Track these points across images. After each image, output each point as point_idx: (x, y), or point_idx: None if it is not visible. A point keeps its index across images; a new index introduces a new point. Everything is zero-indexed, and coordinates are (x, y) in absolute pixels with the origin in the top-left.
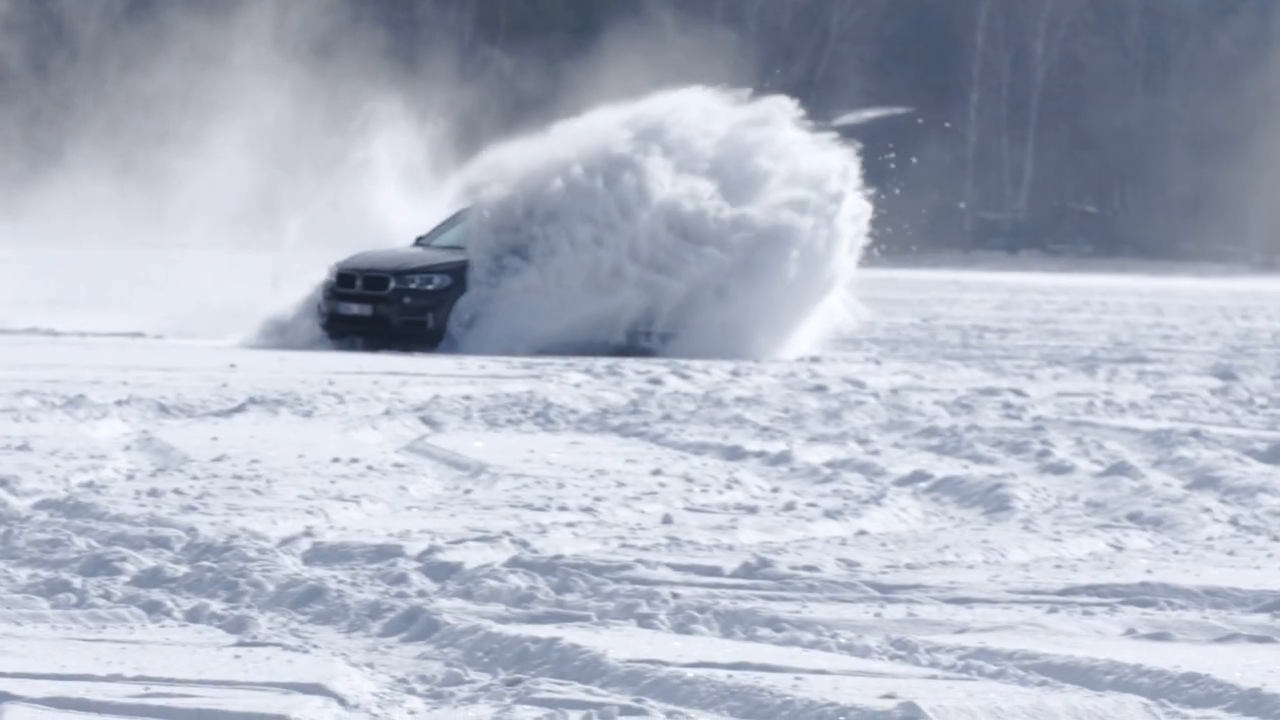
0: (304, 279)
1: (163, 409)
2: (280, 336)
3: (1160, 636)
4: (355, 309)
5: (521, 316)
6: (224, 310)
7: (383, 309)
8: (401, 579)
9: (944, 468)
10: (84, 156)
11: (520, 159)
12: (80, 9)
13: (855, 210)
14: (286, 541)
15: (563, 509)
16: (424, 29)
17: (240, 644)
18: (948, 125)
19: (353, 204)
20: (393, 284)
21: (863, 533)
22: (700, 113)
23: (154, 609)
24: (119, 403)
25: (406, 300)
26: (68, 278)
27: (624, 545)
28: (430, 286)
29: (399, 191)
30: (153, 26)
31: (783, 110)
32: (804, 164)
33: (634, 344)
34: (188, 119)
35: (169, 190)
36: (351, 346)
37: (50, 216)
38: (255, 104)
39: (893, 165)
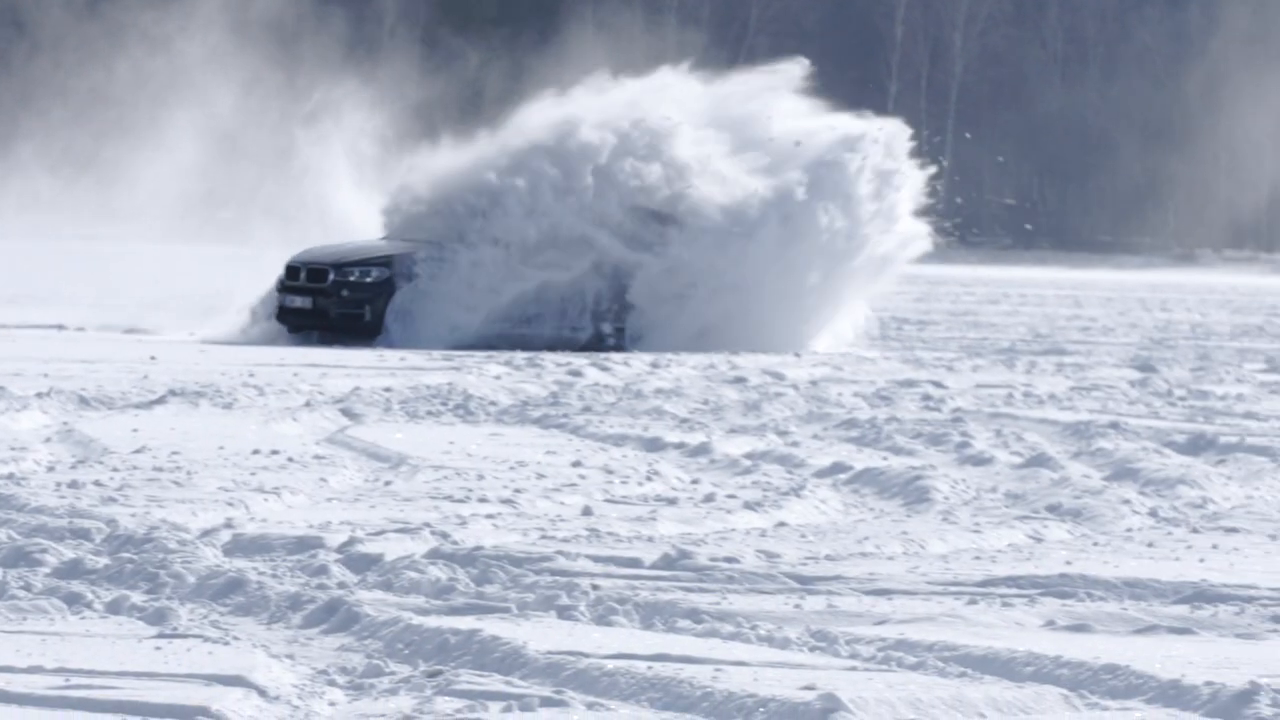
0: (268, 273)
1: (83, 401)
2: (241, 330)
3: (1079, 628)
4: (298, 301)
5: (458, 308)
6: (186, 303)
7: (322, 302)
8: (322, 570)
9: (863, 459)
10: (35, 149)
11: (453, 155)
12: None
13: (884, 184)
14: (207, 533)
15: (483, 501)
16: (386, 19)
17: (161, 635)
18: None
19: (316, 197)
20: (331, 277)
21: (782, 524)
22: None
23: (74, 601)
24: (39, 395)
25: (344, 293)
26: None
27: (544, 537)
28: (368, 279)
29: (361, 184)
30: (108, 16)
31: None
32: (815, 137)
33: (600, 335)
34: (142, 111)
35: (121, 183)
36: (308, 339)
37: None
38: (210, 97)
39: None
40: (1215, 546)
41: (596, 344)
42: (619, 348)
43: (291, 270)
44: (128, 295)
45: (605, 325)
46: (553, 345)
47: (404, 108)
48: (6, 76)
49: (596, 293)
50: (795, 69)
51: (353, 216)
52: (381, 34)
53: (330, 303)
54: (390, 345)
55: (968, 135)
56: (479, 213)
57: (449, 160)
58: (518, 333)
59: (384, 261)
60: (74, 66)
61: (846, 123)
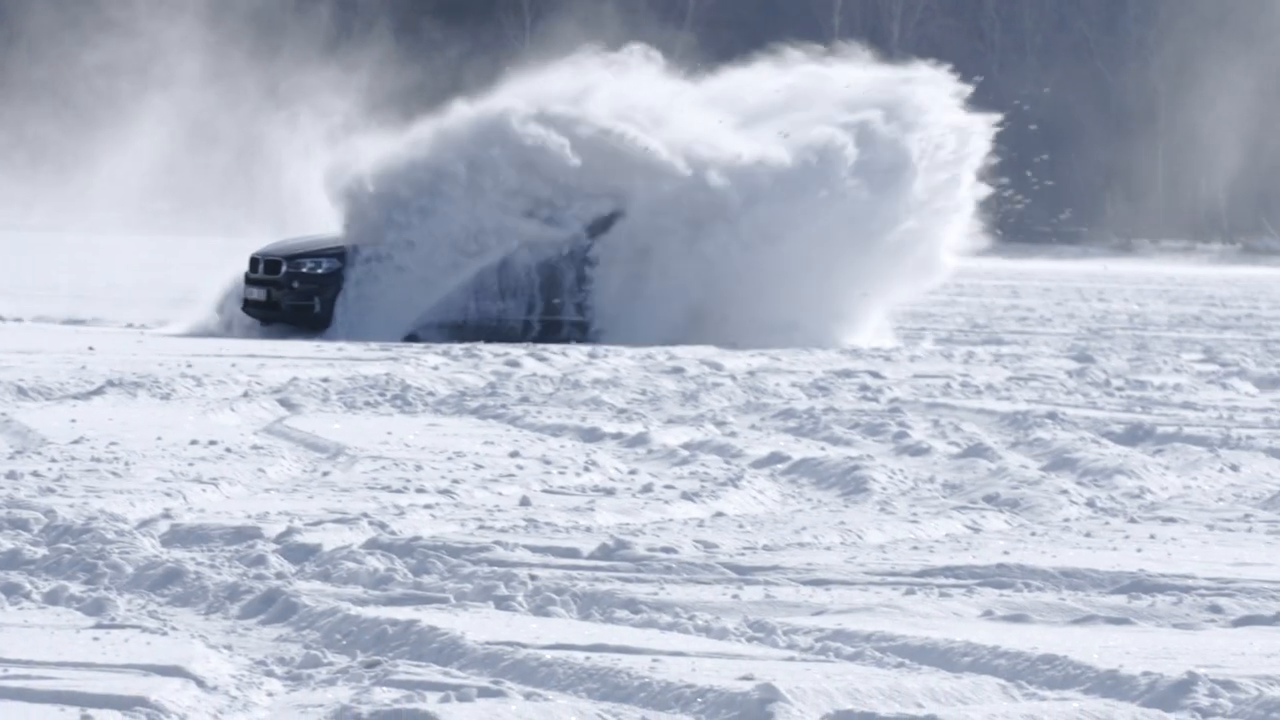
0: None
1: (21, 391)
2: (214, 323)
3: (1017, 618)
4: (256, 293)
5: (402, 300)
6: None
7: (275, 293)
8: (260, 561)
9: (801, 449)
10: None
11: (397, 142)
12: None
13: (911, 151)
14: (145, 523)
15: (420, 491)
16: (364, 7)
17: (99, 626)
18: None
19: (293, 188)
20: (284, 268)
21: (720, 514)
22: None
23: (12, 591)
24: None
25: (295, 285)
26: None
27: (482, 527)
28: (320, 271)
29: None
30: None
31: None
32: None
33: (555, 322)
34: (114, 101)
35: (94, 174)
36: (276, 331)
37: None
38: (187, 88)
39: None
40: (1153, 536)
41: (552, 334)
42: (581, 339)
43: (253, 263)
44: (96, 288)
45: (563, 314)
46: (502, 336)
47: (383, 96)
48: None
49: (548, 279)
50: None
51: (330, 208)
52: (359, 22)
53: (282, 294)
54: (340, 337)
55: None
56: (415, 203)
57: (391, 149)
58: (468, 322)
59: (336, 253)
60: (46, 57)
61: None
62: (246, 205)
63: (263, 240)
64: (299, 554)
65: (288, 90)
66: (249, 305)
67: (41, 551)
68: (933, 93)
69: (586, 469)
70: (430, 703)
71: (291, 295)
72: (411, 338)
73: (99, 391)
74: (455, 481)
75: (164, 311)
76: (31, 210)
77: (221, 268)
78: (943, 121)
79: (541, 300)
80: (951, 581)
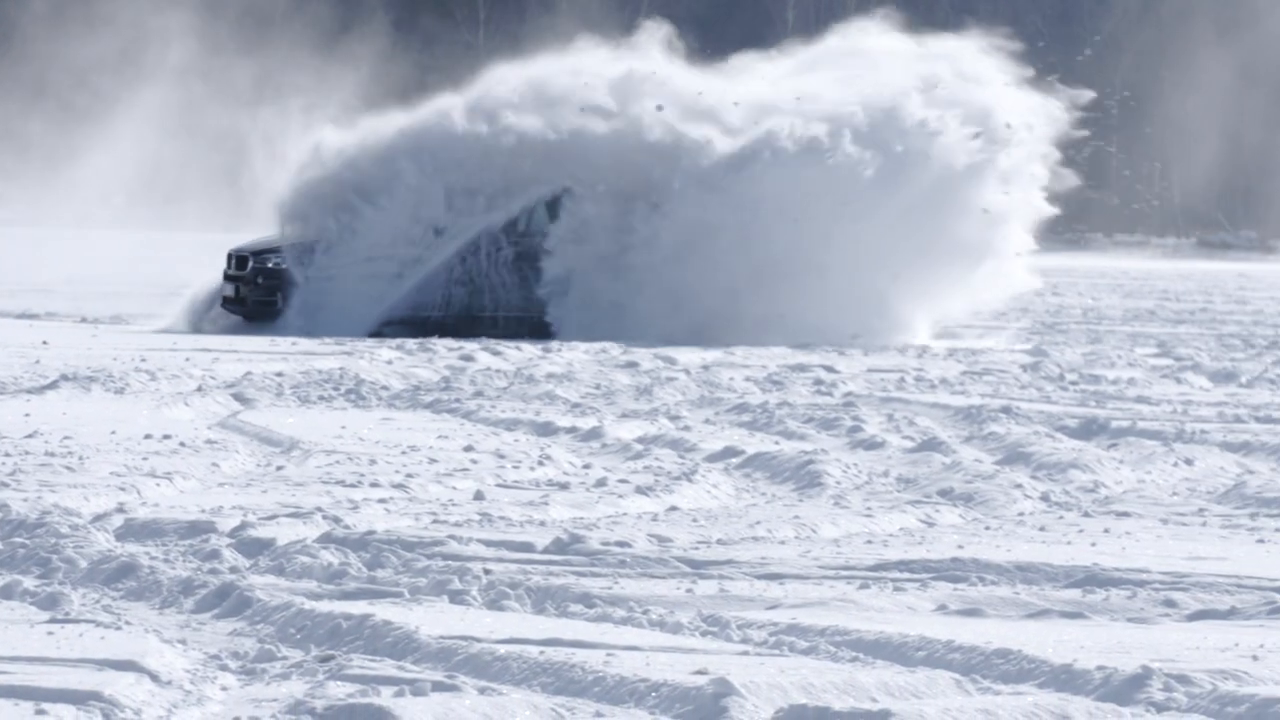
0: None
1: None
2: (197, 318)
3: (972, 612)
4: (228, 289)
5: (363, 295)
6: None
7: (242, 289)
8: (214, 555)
9: (755, 444)
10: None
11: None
12: None
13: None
14: (99, 518)
15: (375, 485)
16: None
17: (53, 621)
18: None
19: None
20: (251, 264)
21: (674, 509)
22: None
23: None
24: None
25: (259, 280)
26: None
27: (436, 521)
28: (283, 266)
29: None
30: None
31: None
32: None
33: (533, 319)
34: (107, 96)
35: (73, 169)
36: (244, 328)
37: None
38: (169, 82)
39: None
40: (1107, 531)
41: (514, 329)
42: (543, 335)
43: (229, 258)
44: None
45: (521, 311)
46: (467, 331)
47: (378, 90)
48: None
49: (511, 272)
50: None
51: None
52: (356, 19)
53: (249, 290)
54: (297, 333)
55: None
56: (351, 200)
57: (348, 141)
58: (430, 317)
59: (295, 249)
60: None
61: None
62: (246, 201)
63: (254, 236)
64: (253, 548)
65: (279, 85)
66: (225, 301)
67: None
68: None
69: (541, 463)
70: (384, 697)
71: (255, 290)
72: (377, 334)
73: (53, 386)
74: (409, 476)
75: (127, 306)
76: (11, 204)
77: (203, 265)
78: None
79: (503, 294)
80: (906, 576)
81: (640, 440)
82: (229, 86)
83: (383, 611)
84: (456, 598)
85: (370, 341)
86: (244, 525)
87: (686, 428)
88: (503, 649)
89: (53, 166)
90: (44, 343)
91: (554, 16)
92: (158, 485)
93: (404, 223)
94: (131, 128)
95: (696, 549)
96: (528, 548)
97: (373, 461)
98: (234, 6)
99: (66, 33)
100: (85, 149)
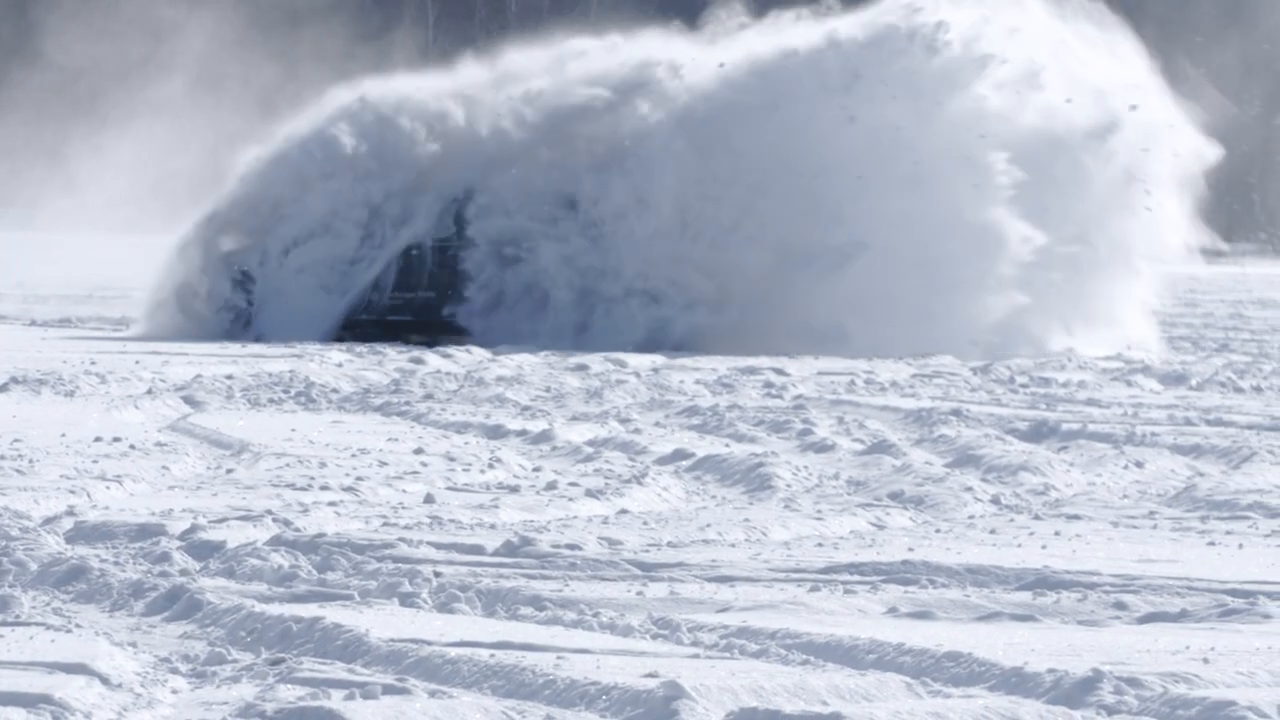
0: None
1: None
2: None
3: (922, 615)
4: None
5: (315, 300)
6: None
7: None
8: (164, 558)
9: (705, 446)
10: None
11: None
12: None
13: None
14: (49, 521)
15: (325, 488)
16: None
17: (2, 624)
18: None
19: None
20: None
21: (624, 511)
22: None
23: None
24: None
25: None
26: None
27: (386, 524)
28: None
29: None
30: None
31: None
32: None
33: (441, 325)
34: (113, 95)
35: (93, 173)
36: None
37: None
38: (169, 85)
39: None
40: (1057, 533)
41: (440, 330)
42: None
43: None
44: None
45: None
46: (425, 331)
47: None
48: None
49: (449, 272)
50: None
51: None
52: (380, 25)
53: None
54: (251, 339)
55: None
56: (276, 205)
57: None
58: (381, 320)
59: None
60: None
61: None
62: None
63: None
64: (203, 551)
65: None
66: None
67: None
68: None
69: (491, 466)
70: (335, 700)
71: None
72: (337, 339)
73: (2, 388)
74: (359, 479)
75: (82, 310)
76: (32, 209)
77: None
78: None
79: (442, 294)
80: (856, 578)
81: (590, 443)
82: (252, 91)
83: (333, 614)
84: (407, 600)
85: (320, 344)
86: (194, 528)
87: (637, 430)
88: (453, 652)
89: (73, 171)
90: None
91: (506, 14)
92: (108, 488)
93: (335, 226)
94: (153, 131)
95: (647, 552)
96: (478, 550)
97: (323, 464)
98: (261, 12)
99: (88, 37)
100: (107, 153)
